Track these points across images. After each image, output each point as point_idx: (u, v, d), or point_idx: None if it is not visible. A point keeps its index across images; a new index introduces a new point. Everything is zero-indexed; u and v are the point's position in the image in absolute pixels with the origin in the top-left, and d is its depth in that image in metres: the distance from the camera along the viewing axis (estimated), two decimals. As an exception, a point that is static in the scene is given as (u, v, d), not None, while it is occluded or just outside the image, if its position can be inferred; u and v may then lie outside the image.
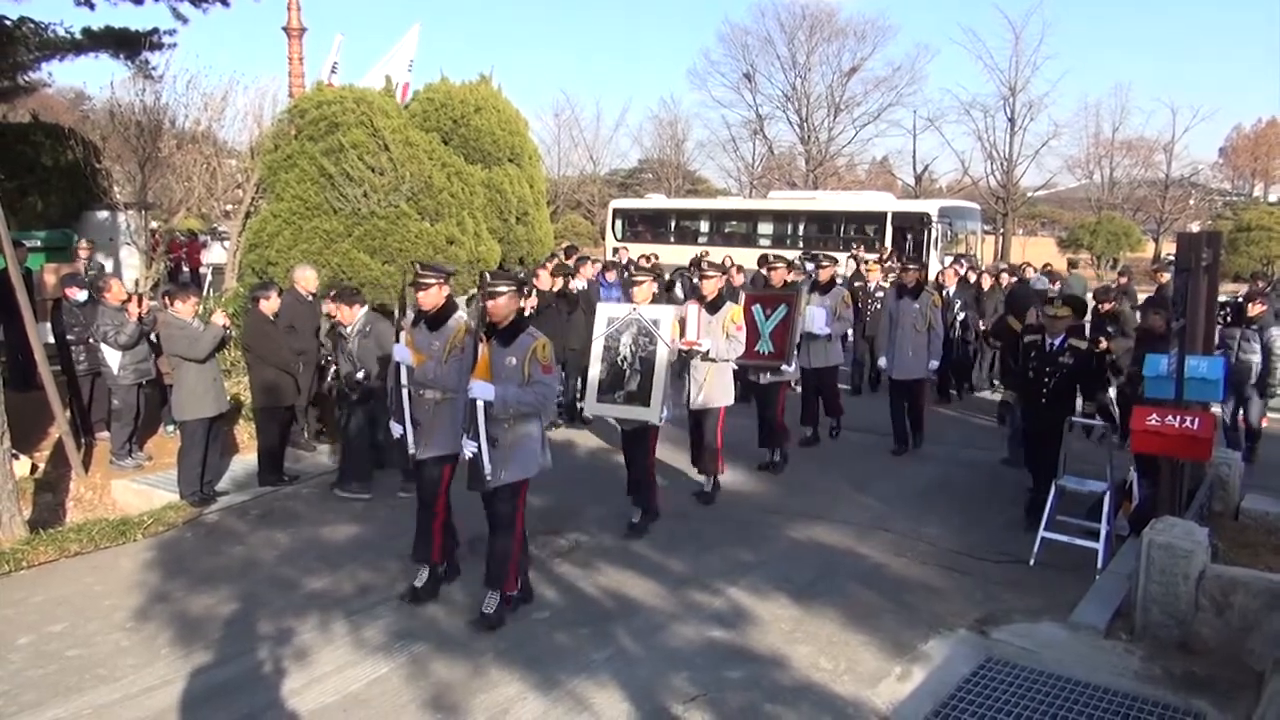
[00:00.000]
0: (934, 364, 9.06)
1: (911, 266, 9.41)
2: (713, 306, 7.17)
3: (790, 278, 8.50)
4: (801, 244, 24.00)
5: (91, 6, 12.12)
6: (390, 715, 4.21)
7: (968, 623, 5.17)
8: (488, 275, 5.13)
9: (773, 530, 6.70)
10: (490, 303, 4.95)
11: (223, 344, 7.29)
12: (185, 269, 20.78)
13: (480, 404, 4.82)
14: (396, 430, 5.36)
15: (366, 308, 7.60)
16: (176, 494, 7.16)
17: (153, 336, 7.95)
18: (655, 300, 7.00)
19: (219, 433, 7.25)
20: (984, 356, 12.25)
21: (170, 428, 8.31)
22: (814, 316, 8.65)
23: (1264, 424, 8.92)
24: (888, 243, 23.39)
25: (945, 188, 43.54)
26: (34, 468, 7.73)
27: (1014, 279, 12.80)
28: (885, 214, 24.61)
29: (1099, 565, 5.87)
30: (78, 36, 13.06)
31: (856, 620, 5.20)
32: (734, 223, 28.75)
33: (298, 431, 8.33)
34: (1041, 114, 44.96)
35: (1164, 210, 41.37)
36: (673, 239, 27.42)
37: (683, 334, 6.76)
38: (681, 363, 6.95)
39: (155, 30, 13.11)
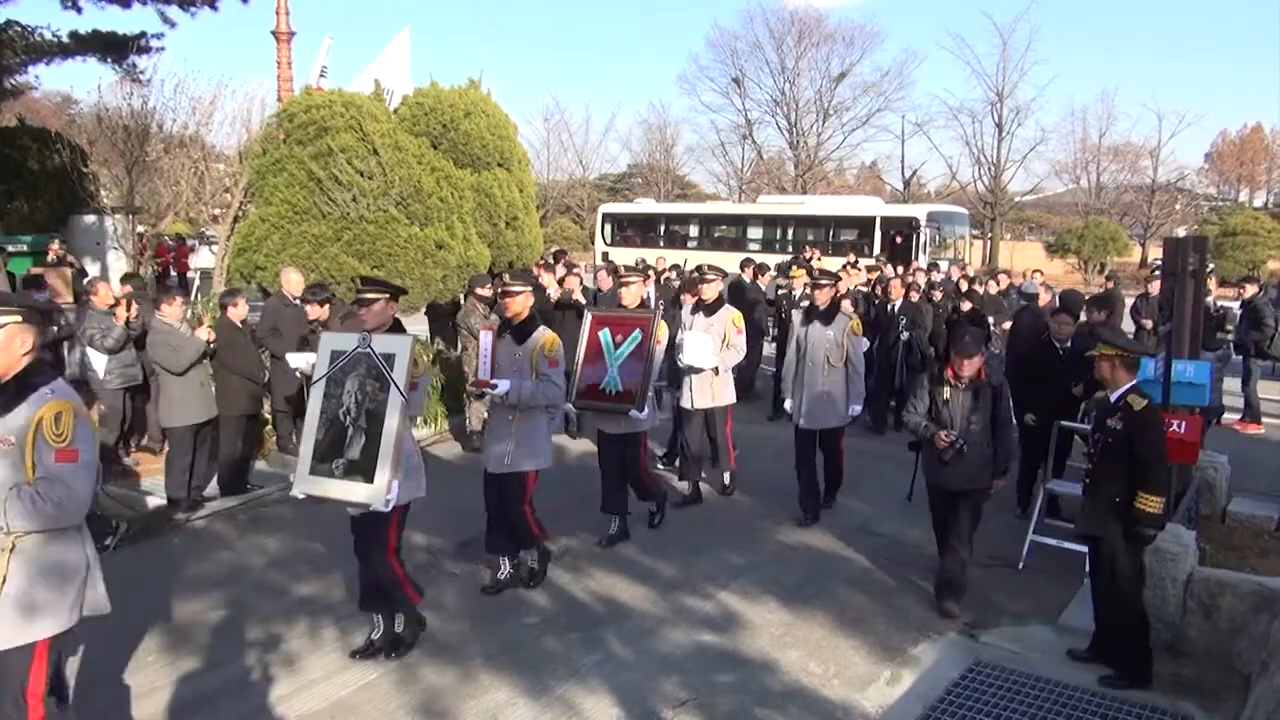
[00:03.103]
0: (855, 408, 7.12)
1: (824, 282, 7.18)
2: (519, 333, 5.34)
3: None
4: (791, 249, 24.11)
5: (79, 10, 12.10)
6: (379, 721, 4.20)
7: (957, 626, 5.19)
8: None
9: (762, 534, 6.70)
10: None
11: (208, 355, 7.19)
12: (173, 273, 20.74)
13: None
14: None
15: None
16: (164, 499, 7.12)
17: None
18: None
19: (206, 438, 7.20)
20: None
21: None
22: (695, 345, 6.99)
23: (1251, 430, 8.93)
24: (877, 247, 23.53)
25: (934, 192, 43.79)
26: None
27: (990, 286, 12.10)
28: (874, 219, 24.81)
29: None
30: (65, 40, 13.01)
31: (846, 624, 5.21)
32: (723, 227, 28.86)
33: (285, 437, 8.26)
34: (1029, 119, 45.49)
35: (1150, 215, 41.75)
36: (662, 244, 27.49)
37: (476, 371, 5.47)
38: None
39: (143, 34, 13.10)
